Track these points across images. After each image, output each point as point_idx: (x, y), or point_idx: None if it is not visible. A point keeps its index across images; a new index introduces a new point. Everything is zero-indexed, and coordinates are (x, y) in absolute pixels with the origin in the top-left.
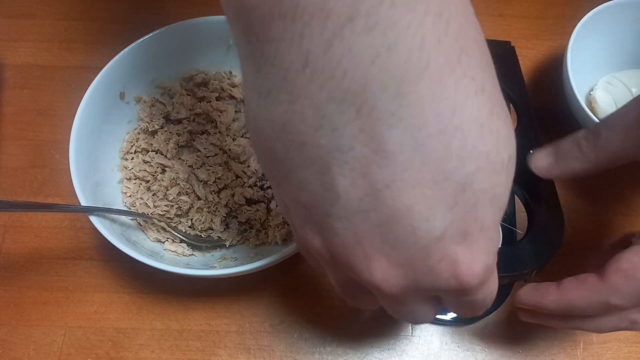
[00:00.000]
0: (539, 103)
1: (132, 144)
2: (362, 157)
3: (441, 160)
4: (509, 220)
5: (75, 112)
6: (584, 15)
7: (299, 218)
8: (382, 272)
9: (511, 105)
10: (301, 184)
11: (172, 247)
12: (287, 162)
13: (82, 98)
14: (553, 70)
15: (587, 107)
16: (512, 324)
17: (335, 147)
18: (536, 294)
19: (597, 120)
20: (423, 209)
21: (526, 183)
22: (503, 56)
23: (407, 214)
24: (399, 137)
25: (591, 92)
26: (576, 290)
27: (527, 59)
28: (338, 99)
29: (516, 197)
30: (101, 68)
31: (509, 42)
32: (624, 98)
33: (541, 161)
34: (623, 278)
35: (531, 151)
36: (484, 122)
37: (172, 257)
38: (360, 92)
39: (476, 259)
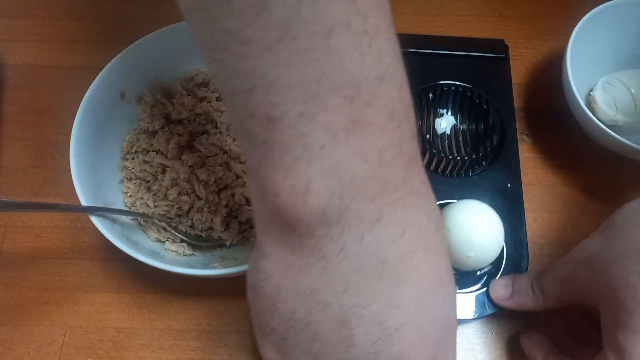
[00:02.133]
0: (539, 103)
1: (132, 144)
2: (377, 310)
3: (434, 305)
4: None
5: (76, 112)
6: (584, 15)
7: None
8: None
9: (495, 134)
10: (316, 336)
11: (173, 246)
12: (304, 320)
13: (82, 98)
14: (553, 70)
15: (587, 107)
16: (512, 323)
17: (355, 304)
18: None
19: (596, 120)
20: (421, 346)
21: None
22: (495, 67)
23: (411, 350)
24: (406, 293)
25: (591, 92)
26: None
27: (527, 59)
28: (363, 271)
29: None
30: (101, 68)
31: (502, 40)
32: (623, 98)
33: (499, 291)
34: None
35: (492, 280)
36: (450, 271)
37: (172, 257)
38: (381, 265)
39: None
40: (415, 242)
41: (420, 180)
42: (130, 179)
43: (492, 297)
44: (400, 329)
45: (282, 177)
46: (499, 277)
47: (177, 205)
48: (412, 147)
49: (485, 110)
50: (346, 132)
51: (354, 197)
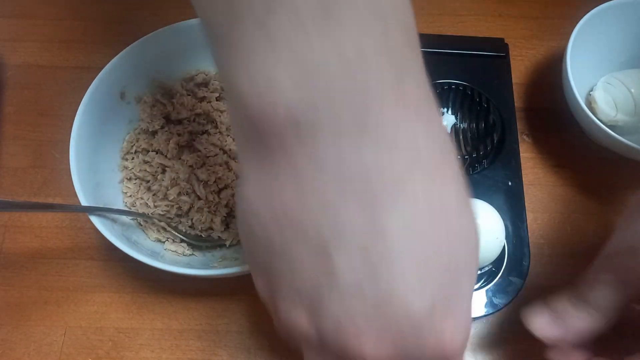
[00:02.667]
0: (539, 103)
1: (132, 144)
2: (361, 236)
3: (434, 236)
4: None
5: (76, 112)
6: (584, 15)
7: (287, 302)
8: (373, 347)
9: (495, 134)
10: (295, 270)
11: (173, 247)
12: (282, 249)
13: (82, 98)
14: (553, 70)
15: (587, 107)
16: (512, 324)
17: (336, 231)
18: None
19: (596, 120)
20: (415, 281)
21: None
22: (495, 66)
23: (402, 285)
24: (395, 219)
25: (591, 92)
26: None
27: (527, 59)
28: (344, 193)
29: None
30: (101, 68)
31: (502, 39)
32: (623, 98)
33: (541, 324)
34: None
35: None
36: (467, 201)
37: (172, 257)
38: (364, 187)
39: (460, 330)
40: (409, 162)
41: (417, 88)
42: (130, 179)
43: (537, 334)
44: (388, 259)
45: (245, 76)
46: (528, 308)
47: (177, 205)
48: (406, 48)
49: (485, 108)
50: (315, 22)
51: (328, 100)
